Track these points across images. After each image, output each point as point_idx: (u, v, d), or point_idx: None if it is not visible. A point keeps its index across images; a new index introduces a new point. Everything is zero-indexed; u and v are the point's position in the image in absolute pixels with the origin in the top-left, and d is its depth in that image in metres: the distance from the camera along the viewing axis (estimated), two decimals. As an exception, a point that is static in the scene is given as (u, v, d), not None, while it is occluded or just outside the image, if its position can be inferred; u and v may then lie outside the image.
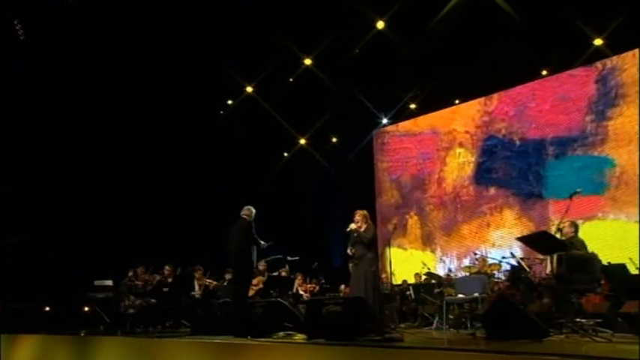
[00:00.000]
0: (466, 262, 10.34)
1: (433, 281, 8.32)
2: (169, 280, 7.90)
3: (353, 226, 5.60)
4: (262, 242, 6.13)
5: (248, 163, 10.73)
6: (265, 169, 11.21)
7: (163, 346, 5.24)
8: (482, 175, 10.72)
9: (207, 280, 8.39)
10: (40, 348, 6.65)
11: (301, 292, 8.48)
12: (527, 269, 6.71)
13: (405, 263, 10.62)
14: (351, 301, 4.84)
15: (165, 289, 7.71)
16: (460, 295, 6.49)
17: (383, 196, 12.34)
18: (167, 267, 8.04)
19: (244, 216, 6.15)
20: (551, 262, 5.22)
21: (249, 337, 4.97)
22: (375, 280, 5.48)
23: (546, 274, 5.95)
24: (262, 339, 4.91)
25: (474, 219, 10.67)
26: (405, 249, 11.45)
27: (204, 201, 10.15)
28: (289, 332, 5.15)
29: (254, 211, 6.21)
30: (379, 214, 12.15)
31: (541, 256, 6.16)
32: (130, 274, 7.90)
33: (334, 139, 12.23)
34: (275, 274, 8.04)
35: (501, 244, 10.17)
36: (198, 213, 9.99)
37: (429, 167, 11.59)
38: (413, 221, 11.57)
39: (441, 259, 10.90)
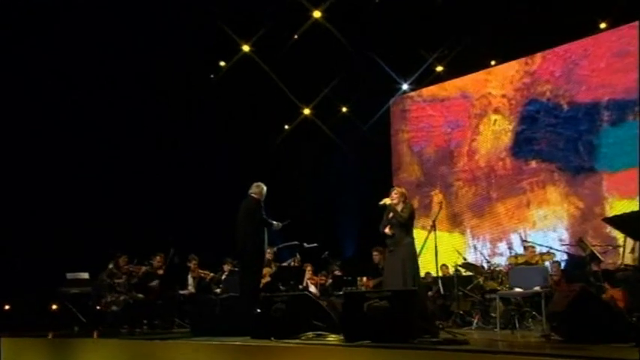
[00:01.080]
0: (502, 246, 10.30)
1: (468, 273, 8.06)
2: (160, 272, 7.68)
3: (387, 200, 5.46)
4: (275, 223, 5.94)
5: (243, 136, 10.58)
6: (263, 144, 11.11)
7: (166, 350, 4.89)
8: (522, 145, 10.52)
9: (203, 272, 8.20)
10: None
11: (311, 286, 8.38)
12: (601, 259, 6.53)
13: (428, 250, 10.25)
14: (401, 295, 4.46)
15: (153, 283, 7.56)
16: (517, 289, 6.20)
17: (401, 173, 12.19)
18: (158, 257, 7.81)
19: (253, 195, 5.98)
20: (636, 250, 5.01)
21: (272, 339, 4.65)
22: (415, 271, 5.24)
23: (625, 265, 5.74)
24: (289, 340, 4.59)
25: (512, 197, 10.47)
26: (428, 230, 10.96)
27: (196, 181, 10.04)
28: (320, 332, 4.78)
29: (264, 188, 6.04)
30: None
31: (619, 243, 5.90)
32: (111, 265, 7.68)
33: (344, 109, 12.01)
34: (285, 264, 7.82)
35: (544, 225, 10.04)
36: (190, 195, 9.84)
37: (458, 137, 11.40)
38: (437, 200, 11.30)
39: (472, 244, 10.75)
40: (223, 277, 8.16)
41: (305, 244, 7.02)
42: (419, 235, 11.15)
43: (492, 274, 7.56)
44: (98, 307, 7.50)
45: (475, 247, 10.23)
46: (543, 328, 5.47)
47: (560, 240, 9.25)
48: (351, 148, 11.64)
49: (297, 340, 4.62)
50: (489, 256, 9.83)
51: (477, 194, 10.86)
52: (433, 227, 6.22)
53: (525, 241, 8.16)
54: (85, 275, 8.12)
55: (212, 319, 5.78)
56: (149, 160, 9.64)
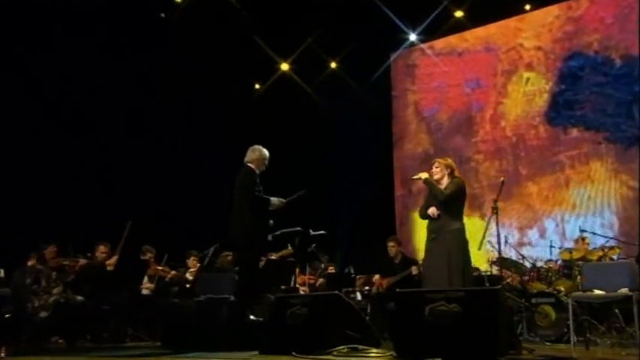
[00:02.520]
0: (532, 233, 10.28)
1: (498, 271, 7.93)
2: (109, 267, 7.07)
3: (423, 174, 5.48)
4: (274, 199, 5.67)
5: (205, 96, 10.46)
6: (230, 105, 10.85)
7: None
8: (561, 110, 10.39)
9: (162, 269, 7.82)
10: None
11: (297, 286, 8.39)
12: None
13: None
14: (477, 295, 4.18)
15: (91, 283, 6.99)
16: (599, 292, 5.86)
17: (405, 144, 12.01)
18: (102, 247, 7.27)
19: (248, 163, 5.77)
20: None
21: (294, 354, 4.36)
22: (464, 265, 5.19)
23: None
24: (317, 357, 4.30)
25: (546, 174, 10.36)
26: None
27: (148, 151, 9.82)
28: (357, 346, 4.48)
29: (264, 153, 5.81)
30: (398, 169, 11.90)
31: None
32: (31, 262, 7.06)
33: (333, 64, 11.89)
34: (273, 256, 7.66)
35: (587, 209, 9.90)
36: (142, 168, 9.65)
37: (480, 100, 11.22)
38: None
39: (495, 232, 10.17)
40: (188, 274, 7.86)
41: (311, 231, 6.91)
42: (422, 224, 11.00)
43: (539, 272, 7.54)
44: (27, 314, 6.82)
45: (506, 239, 9.50)
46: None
47: (604, 226, 9.28)
48: (341, 114, 11.58)
49: (329, 357, 4.32)
50: (516, 245, 9.53)
51: (502, 170, 10.64)
52: (495, 210, 6.00)
53: (584, 230, 7.97)
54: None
55: (188, 329, 5.56)
56: (83, 130, 9.40)
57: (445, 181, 5.39)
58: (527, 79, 10.73)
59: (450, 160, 5.54)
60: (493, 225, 10.27)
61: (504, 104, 10.99)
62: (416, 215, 10.98)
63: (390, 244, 7.41)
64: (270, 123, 10.49)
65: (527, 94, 10.77)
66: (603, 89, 9.96)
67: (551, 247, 8.55)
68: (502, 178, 6.56)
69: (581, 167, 10.09)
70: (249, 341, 4.94)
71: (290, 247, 7.63)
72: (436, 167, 5.47)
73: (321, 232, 7.14)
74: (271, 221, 5.82)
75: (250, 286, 5.60)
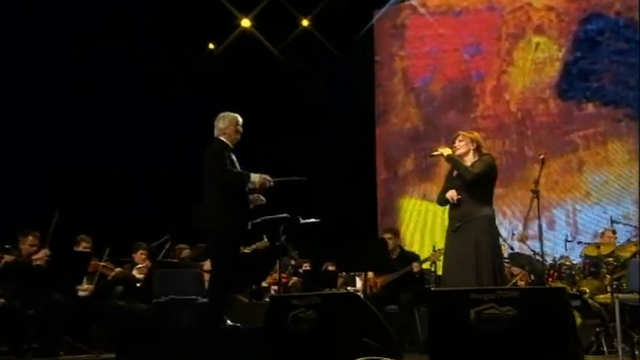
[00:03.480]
0: (535, 227, 9.64)
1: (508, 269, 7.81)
2: (37, 262, 6.85)
3: (445, 150, 5.51)
4: (255, 176, 5.65)
5: (147, 60, 10.44)
6: (177, 71, 10.76)
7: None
8: (575, 82, 10.40)
9: (104, 264, 7.61)
10: None
11: (268, 286, 8.65)
12: None
13: (431, 229, 10.74)
14: (535, 295, 4.09)
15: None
16: None
17: (391, 119, 11.97)
18: (30, 238, 7.06)
19: (217, 136, 5.75)
20: None
21: None
22: (497, 259, 5.23)
23: None
24: None
25: (556, 155, 10.36)
26: (433, 201, 11.07)
27: (85, 124, 9.92)
28: (378, 358, 4.36)
29: (236, 119, 5.79)
30: (381, 149, 11.89)
31: None
32: None
33: (305, 22, 11.90)
34: (247, 249, 7.62)
35: (603, 197, 9.97)
36: (75, 145, 9.81)
37: (481, 68, 11.24)
38: (444, 160, 10.67)
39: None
40: (136, 272, 7.69)
41: (300, 218, 6.78)
42: (421, 207, 11.09)
43: (560, 271, 7.58)
44: None
45: (513, 232, 9.72)
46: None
47: (623, 218, 9.20)
48: (314, 83, 11.55)
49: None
50: (513, 236, 9.54)
51: (505, 151, 10.69)
52: (536, 193, 6.06)
53: (616, 221, 8.09)
54: None
55: (147, 338, 5.58)
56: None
57: (470, 159, 5.38)
58: (537, 45, 10.76)
59: (476, 134, 5.55)
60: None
61: (509, 74, 11.01)
62: (403, 203, 11.84)
63: (387, 235, 7.40)
64: (226, 92, 10.43)
65: (536, 63, 10.77)
66: (625, 58, 9.97)
67: (566, 240, 8.54)
68: (542, 156, 6.63)
69: (598, 148, 10.16)
70: (229, 352, 4.92)
71: (265, 239, 7.56)
72: (460, 141, 5.44)
73: (313, 219, 7.03)
74: (262, 198, 5.72)
75: (226, 285, 5.59)
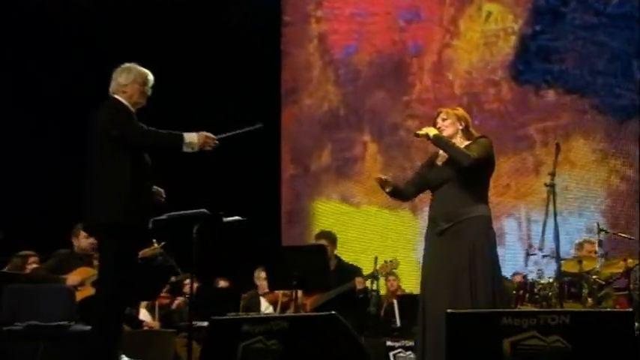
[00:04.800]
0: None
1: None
2: None
3: (431, 130, 5.33)
4: (192, 135, 5.45)
5: None
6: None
7: None
8: (533, 61, 10.59)
9: None
10: None
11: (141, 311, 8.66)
12: None
13: (359, 240, 10.88)
14: (588, 320, 4.09)
15: None
16: None
17: (302, 98, 12.02)
18: None
19: (115, 95, 5.47)
20: None
21: None
22: (496, 271, 5.22)
23: None
24: None
25: (508, 152, 10.50)
26: (355, 205, 11.37)
27: None
28: None
29: (146, 76, 5.54)
30: (288, 137, 11.95)
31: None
32: None
33: None
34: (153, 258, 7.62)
35: (564, 205, 9.84)
36: None
37: (418, 39, 11.42)
38: (370, 154, 11.39)
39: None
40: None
41: (222, 215, 6.66)
42: (342, 212, 11.01)
43: (532, 292, 7.76)
44: None
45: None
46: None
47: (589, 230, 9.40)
48: (203, 46, 11.58)
49: None
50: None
51: None
52: (552, 188, 6.00)
53: (603, 230, 8.07)
54: None
55: None
56: None
57: (458, 142, 5.25)
58: (488, 14, 10.89)
59: (462, 111, 5.43)
60: (423, 220, 10.92)
61: (453, 48, 11.15)
62: (316, 207, 11.49)
63: (322, 241, 7.25)
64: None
65: (487, 36, 10.92)
66: (594, 35, 10.20)
67: (528, 254, 8.70)
68: (557, 141, 6.72)
69: (559, 143, 10.14)
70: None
71: (156, 244, 7.40)
72: (444, 120, 5.29)
73: (238, 217, 6.85)
74: (162, 193, 5.50)
75: (119, 305, 5.29)
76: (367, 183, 11.27)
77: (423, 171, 5.42)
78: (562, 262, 7.88)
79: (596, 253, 7.95)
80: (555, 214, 5.94)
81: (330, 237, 7.36)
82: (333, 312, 4.68)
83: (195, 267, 6.89)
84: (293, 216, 11.38)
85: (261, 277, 8.86)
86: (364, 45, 11.70)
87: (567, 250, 8.15)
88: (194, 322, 8.48)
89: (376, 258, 7.59)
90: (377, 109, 11.37)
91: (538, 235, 9.77)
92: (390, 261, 7.66)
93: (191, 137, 5.33)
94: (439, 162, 5.26)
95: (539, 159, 10.36)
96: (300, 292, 7.15)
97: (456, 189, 5.11)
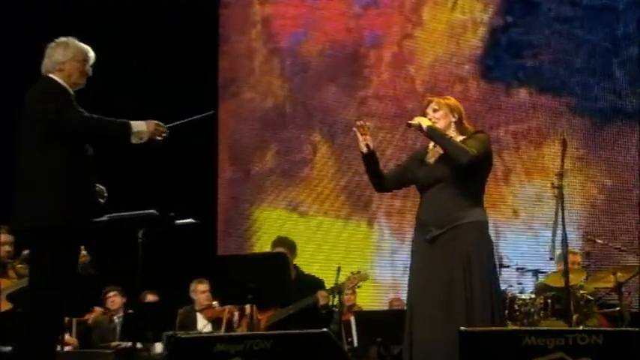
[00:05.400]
0: None
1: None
2: None
3: (424, 120, 5.31)
4: (144, 124, 5.37)
5: None
6: None
7: None
8: (504, 58, 10.72)
9: None
10: None
11: None
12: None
13: (313, 255, 10.77)
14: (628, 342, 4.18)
15: None
16: None
17: (241, 92, 11.91)
18: None
19: (50, 73, 5.38)
20: None
21: None
22: (494, 282, 5.27)
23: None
24: None
25: None
26: (303, 214, 11.41)
27: None
28: None
29: (85, 52, 5.48)
30: (226, 136, 11.79)
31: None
32: None
33: None
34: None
35: (534, 218, 10.28)
36: None
37: (376, 27, 11.45)
38: (320, 156, 11.32)
39: (391, 246, 10.90)
40: None
41: (173, 217, 6.81)
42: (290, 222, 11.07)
43: (512, 308, 7.81)
44: None
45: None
46: None
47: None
48: (131, 29, 11.30)
49: None
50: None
51: (406, 147, 10.36)
52: (559, 189, 6.09)
53: (592, 239, 8.62)
54: None
55: None
56: None
57: (453, 130, 5.25)
58: (455, 2, 11.01)
59: (454, 101, 5.41)
60: (380, 232, 11.02)
61: (415, 39, 11.17)
62: (257, 215, 11.38)
63: (280, 249, 7.27)
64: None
65: (454, 27, 11.01)
66: (570, 28, 10.33)
67: (501, 266, 8.66)
68: (563, 136, 6.73)
69: (530, 151, 10.44)
70: None
71: (84, 252, 6.97)
72: (435, 110, 5.24)
73: (190, 220, 6.96)
74: (104, 191, 5.49)
75: (54, 322, 5.18)
76: (317, 189, 11.35)
77: (409, 167, 5.37)
78: (541, 275, 8.36)
79: (579, 264, 8.06)
80: (564, 220, 5.98)
81: (289, 244, 7.37)
82: (324, 329, 4.67)
83: (140, 278, 6.79)
84: (231, 225, 11.21)
85: (198, 290, 8.84)
86: (314, 32, 11.62)
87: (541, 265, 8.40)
88: (119, 344, 8.47)
89: (339, 269, 7.60)
90: (328, 106, 11.36)
91: (506, 248, 10.05)
92: (358, 272, 7.63)
93: (140, 126, 5.23)
94: (430, 159, 5.21)
95: (510, 166, 10.46)
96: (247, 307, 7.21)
97: (450, 190, 5.07)
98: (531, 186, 10.40)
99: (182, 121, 5.62)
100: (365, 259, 10.52)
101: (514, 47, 10.62)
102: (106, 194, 5.53)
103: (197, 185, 11.15)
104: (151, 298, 9.19)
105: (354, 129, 5.31)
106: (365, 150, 5.25)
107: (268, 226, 11.07)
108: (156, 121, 5.29)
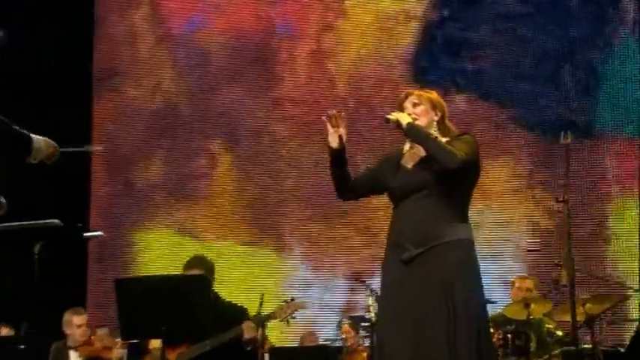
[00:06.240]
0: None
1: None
2: None
3: (403, 116, 5.26)
4: (43, 141, 5.23)
5: None
6: None
7: None
8: (440, 56, 11.08)
9: None
10: None
11: None
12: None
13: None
14: None
15: None
16: None
17: (121, 87, 11.92)
18: None
19: None
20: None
21: None
22: (481, 311, 5.28)
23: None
24: None
25: None
26: (198, 237, 11.60)
27: None
28: None
29: None
30: (100, 141, 11.55)
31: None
32: None
33: None
34: None
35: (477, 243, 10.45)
36: None
37: (290, 18, 11.74)
38: (220, 168, 11.50)
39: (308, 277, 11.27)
40: None
41: (81, 228, 7.58)
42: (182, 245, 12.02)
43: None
44: None
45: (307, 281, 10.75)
46: None
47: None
48: None
49: None
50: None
51: (324, 162, 10.35)
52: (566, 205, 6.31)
53: (558, 264, 8.10)
54: None
55: None
56: None
57: (435, 130, 5.24)
58: None
59: (437, 95, 5.37)
60: (293, 261, 10.96)
61: (336, 33, 11.41)
62: (141, 238, 11.29)
63: (195, 271, 7.22)
64: None
65: (381, 20, 11.26)
66: (517, 26, 10.66)
67: None
68: (569, 140, 6.83)
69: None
70: None
71: None
72: (415, 104, 5.19)
73: (99, 232, 7.50)
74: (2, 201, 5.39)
75: None
76: (214, 208, 11.55)
77: (382, 171, 5.29)
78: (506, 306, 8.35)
79: (529, 290, 8.31)
80: (569, 237, 6.13)
81: (207, 265, 7.29)
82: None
83: (35, 303, 6.85)
84: (106, 248, 10.91)
85: (74, 322, 8.63)
86: (215, 20, 11.77)
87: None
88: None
89: (262, 295, 7.50)
90: (231, 108, 11.54)
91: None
92: (292, 300, 7.57)
93: (38, 141, 5.03)
94: (408, 164, 5.14)
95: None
96: (157, 343, 7.12)
97: (432, 201, 5.02)
98: (470, 210, 10.37)
99: (76, 149, 5.59)
100: (272, 290, 10.37)
101: (452, 45, 10.94)
102: (3, 203, 5.10)
103: (65, 199, 10.72)
104: (5, 331, 9.12)
105: (324, 118, 5.17)
106: (335, 145, 5.13)
107: (153, 250, 10.96)
108: (52, 142, 5.06)
